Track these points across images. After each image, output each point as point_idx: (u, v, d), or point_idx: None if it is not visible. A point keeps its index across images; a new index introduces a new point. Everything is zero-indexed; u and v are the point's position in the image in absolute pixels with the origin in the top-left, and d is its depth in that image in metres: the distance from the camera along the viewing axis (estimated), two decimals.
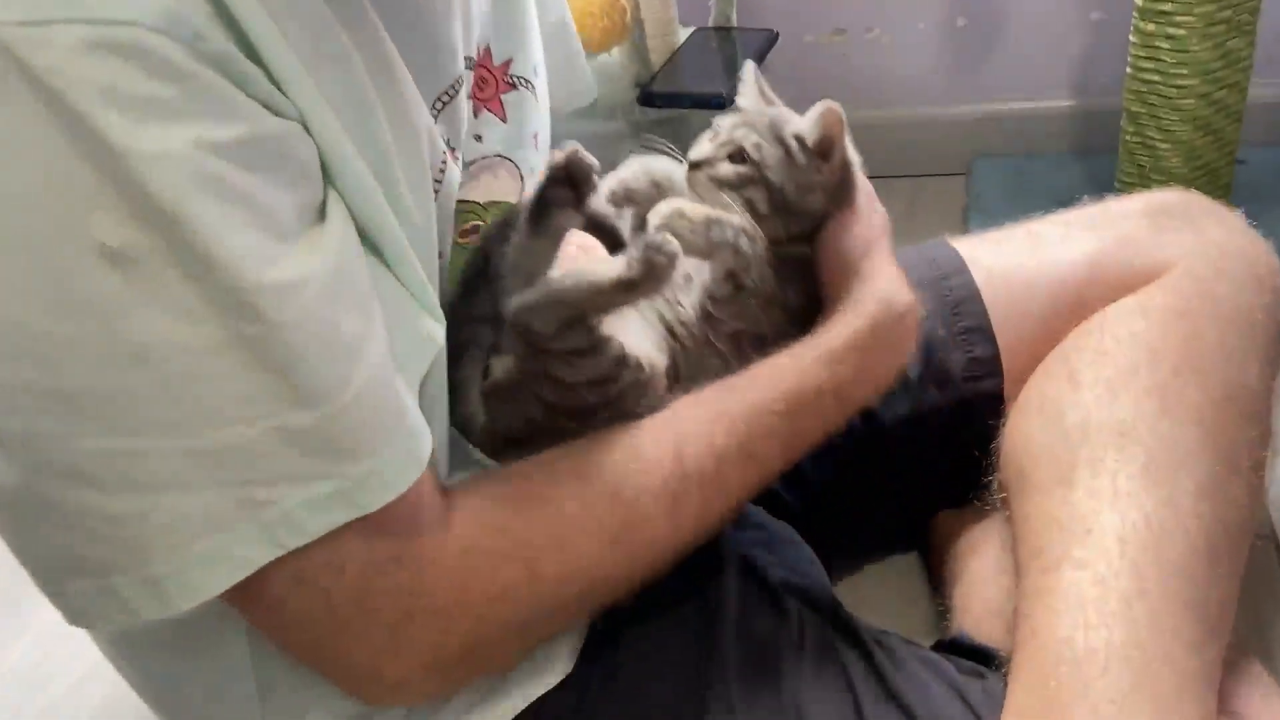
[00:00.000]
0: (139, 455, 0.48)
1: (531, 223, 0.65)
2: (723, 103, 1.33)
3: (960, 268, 0.92)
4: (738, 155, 0.69)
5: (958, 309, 0.89)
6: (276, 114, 0.50)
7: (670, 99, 1.42)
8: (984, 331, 0.88)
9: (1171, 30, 1.33)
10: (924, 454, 0.89)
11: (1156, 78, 1.37)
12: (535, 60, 0.77)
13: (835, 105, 0.69)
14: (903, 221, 1.88)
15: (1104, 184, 1.56)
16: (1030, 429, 0.77)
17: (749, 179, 0.69)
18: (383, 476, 0.53)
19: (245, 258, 0.47)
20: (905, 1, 1.87)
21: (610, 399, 0.63)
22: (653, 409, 0.64)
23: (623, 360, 0.63)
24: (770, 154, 0.69)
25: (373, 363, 0.52)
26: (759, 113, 0.73)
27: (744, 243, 0.67)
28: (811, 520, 0.89)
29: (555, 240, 0.66)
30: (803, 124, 0.71)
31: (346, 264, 0.52)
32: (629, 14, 1.42)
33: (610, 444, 0.62)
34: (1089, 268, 0.86)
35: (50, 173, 0.44)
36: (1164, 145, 1.41)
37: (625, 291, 0.61)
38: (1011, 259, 0.91)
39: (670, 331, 0.69)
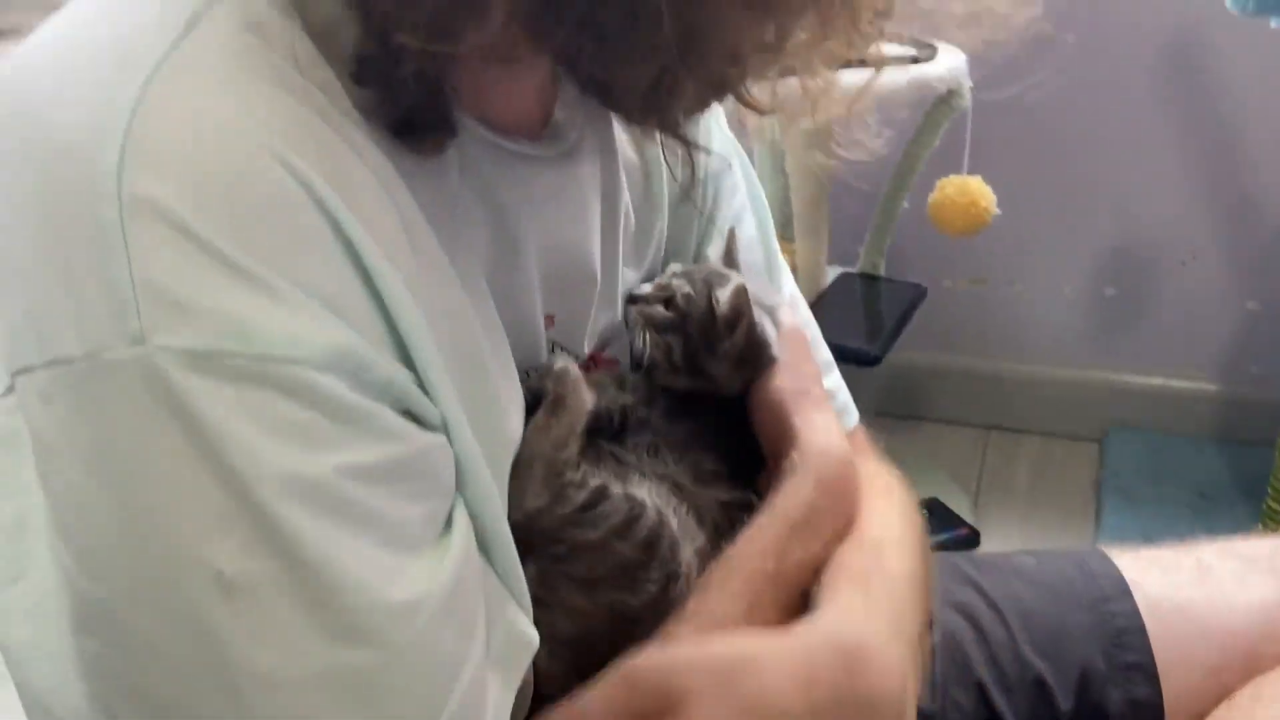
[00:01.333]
0: None
1: None
2: (872, 359, 1.31)
3: (1123, 590, 0.86)
4: (670, 301, 0.71)
5: (1120, 640, 0.83)
6: (425, 425, 0.49)
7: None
8: (1148, 671, 0.82)
9: None
10: None
11: None
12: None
13: (745, 283, 0.70)
14: (1030, 482, 1.86)
15: (1248, 477, 1.51)
16: None
17: (672, 325, 0.70)
18: None
19: (368, 580, 0.45)
20: (1053, 262, 1.87)
21: (643, 545, 0.61)
22: (680, 564, 0.62)
23: (631, 497, 0.61)
24: (696, 308, 0.71)
25: (465, 685, 0.49)
26: (702, 268, 0.75)
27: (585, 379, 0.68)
28: None
29: None
30: (722, 293, 0.72)
31: (464, 578, 0.50)
32: (793, 257, 1.44)
33: None
34: (1265, 619, 0.80)
35: (178, 494, 0.42)
36: None
37: (558, 411, 0.62)
38: (1179, 593, 0.85)
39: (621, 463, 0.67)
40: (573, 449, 0.62)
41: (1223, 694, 0.79)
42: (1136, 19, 1.69)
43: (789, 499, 0.66)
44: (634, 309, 0.72)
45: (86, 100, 0.42)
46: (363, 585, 0.45)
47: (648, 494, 0.64)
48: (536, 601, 0.60)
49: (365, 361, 0.46)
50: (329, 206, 0.44)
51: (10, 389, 0.44)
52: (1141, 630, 0.83)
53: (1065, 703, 0.82)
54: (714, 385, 0.72)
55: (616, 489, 0.62)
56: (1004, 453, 1.95)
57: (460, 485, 0.52)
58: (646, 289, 0.72)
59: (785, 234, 1.57)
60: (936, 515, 1.65)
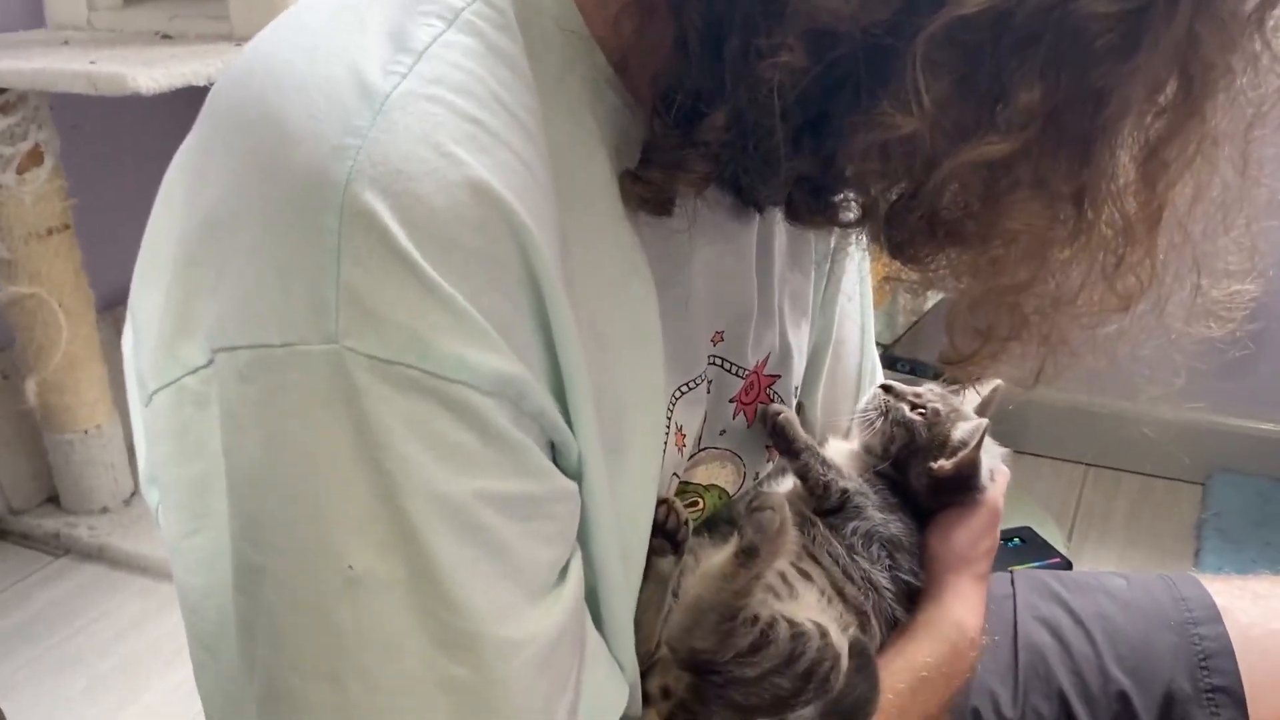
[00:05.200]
0: None
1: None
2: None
3: (1213, 615, 0.86)
4: (917, 406, 0.74)
5: (1207, 663, 0.83)
6: (563, 468, 0.52)
7: (912, 365, 1.43)
8: (1234, 695, 0.81)
9: None
10: None
11: None
12: (795, 383, 0.80)
13: (987, 426, 0.73)
14: (1128, 520, 1.83)
15: None
16: None
17: (908, 425, 0.74)
18: None
19: (487, 608, 0.48)
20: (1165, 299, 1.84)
21: (801, 676, 0.62)
22: (839, 674, 0.63)
23: (799, 635, 0.62)
24: (936, 425, 0.74)
25: None
26: (955, 399, 0.78)
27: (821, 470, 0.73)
28: None
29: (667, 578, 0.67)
30: (964, 425, 0.75)
31: (569, 629, 0.53)
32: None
33: None
34: None
35: (334, 486, 0.46)
36: None
37: (749, 563, 0.62)
38: (1272, 622, 0.85)
39: (814, 559, 0.69)
40: (754, 595, 0.63)
41: None
42: None
43: (922, 653, 0.69)
44: (883, 396, 0.76)
45: (327, 123, 0.46)
46: (477, 611, 0.48)
47: (815, 605, 0.66)
48: (684, 707, 0.63)
49: (525, 391, 0.49)
50: (524, 240, 0.48)
51: (210, 363, 0.48)
52: (1230, 654, 0.83)
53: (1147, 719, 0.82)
54: (908, 487, 0.75)
55: (783, 625, 0.62)
56: (1103, 490, 1.93)
57: (586, 529, 0.55)
58: (904, 390, 0.77)
59: None
60: (1029, 544, 1.64)
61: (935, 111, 0.48)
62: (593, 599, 0.56)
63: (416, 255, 0.45)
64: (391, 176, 0.45)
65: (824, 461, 0.72)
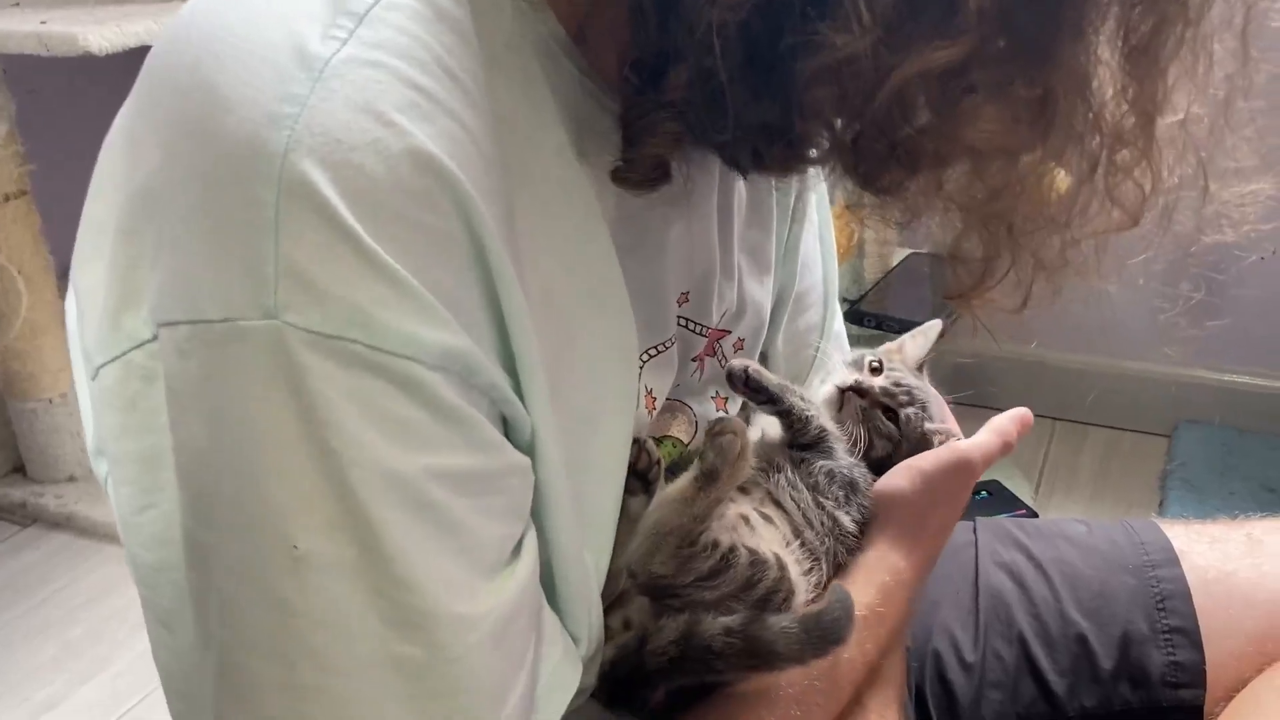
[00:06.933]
0: None
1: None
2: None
3: (1171, 559, 0.87)
4: (890, 411, 0.75)
5: (1163, 604, 0.85)
6: (516, 443, 0.51)
7: (879, 320, 1.43)
8: (1191, 635, 0.83)
9: None
10: None
11: None
12: (743, 336, 0.79)
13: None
14: (1094, 472, 1.85)
15: None
16: None
17: (885, 434, 0.74)
18: None
19: (439, 585, 0.47)
20: (1127, 253, 1.86)
21: (758, 601, 0.62)
22: (790, 608, 0.64)
23: (758, 563, 0.63)
24: (910, 434, 0.75)
25: (510, 712, 0.51)
26: (924, 390, 0.78)
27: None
28: None
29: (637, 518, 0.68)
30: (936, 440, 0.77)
31: (524, 605, 0.52)
32: (855, 236, 1.45)
33: None
34: None
35: (277, 464, 0.45)
36: None
37: (708, 487, 0.62)
38: (1227, 563, 0.86)
39: (777, 504, 0.70)
40: (711, 519, 0.63)
41: (1265, 661, 0.80)
42: None
43: (856, 596, 0.68)
44: (858, 400, 0.75)
45: (264, 90, 0.44)
46: (429, 589, 0.47)
47: (778, 543, 0.66)
48: (644, 627, 0.63)
49: (473, 364, 0.48)
50: (468, 211, 0.46)
51: (154, 338, 0.47)
52: (1186, 596, 0.84)
53: (1107, 661, 0.83)
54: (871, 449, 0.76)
55: (743, 552, 0.63)
56: (1069, 443, 1.95)
57: (540, 504, 0.54)
58: (873, 385, 0.76)
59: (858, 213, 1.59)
60: (996, 497, 1.65)
61: (877, 27, 0.46)
62: (548, 573, 0.56)
63: (358, 228, 0.43)
64: (331, 146, 0.43)
65: (803, 398, 0.72)
